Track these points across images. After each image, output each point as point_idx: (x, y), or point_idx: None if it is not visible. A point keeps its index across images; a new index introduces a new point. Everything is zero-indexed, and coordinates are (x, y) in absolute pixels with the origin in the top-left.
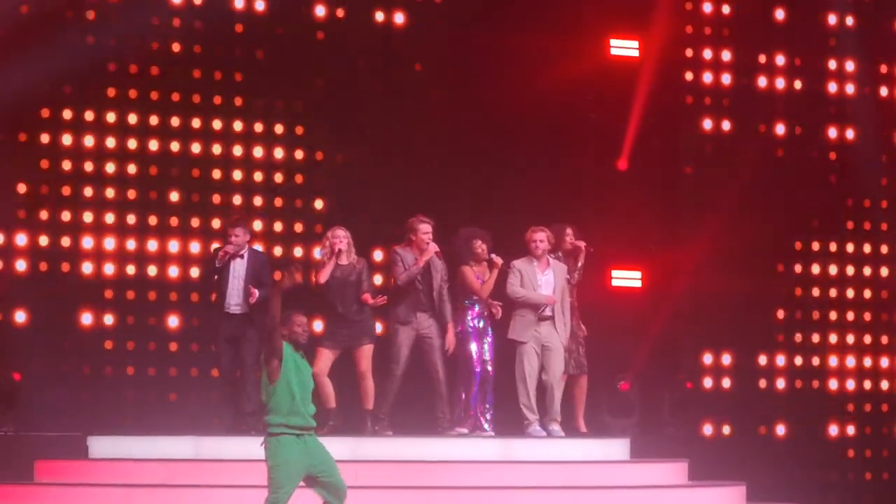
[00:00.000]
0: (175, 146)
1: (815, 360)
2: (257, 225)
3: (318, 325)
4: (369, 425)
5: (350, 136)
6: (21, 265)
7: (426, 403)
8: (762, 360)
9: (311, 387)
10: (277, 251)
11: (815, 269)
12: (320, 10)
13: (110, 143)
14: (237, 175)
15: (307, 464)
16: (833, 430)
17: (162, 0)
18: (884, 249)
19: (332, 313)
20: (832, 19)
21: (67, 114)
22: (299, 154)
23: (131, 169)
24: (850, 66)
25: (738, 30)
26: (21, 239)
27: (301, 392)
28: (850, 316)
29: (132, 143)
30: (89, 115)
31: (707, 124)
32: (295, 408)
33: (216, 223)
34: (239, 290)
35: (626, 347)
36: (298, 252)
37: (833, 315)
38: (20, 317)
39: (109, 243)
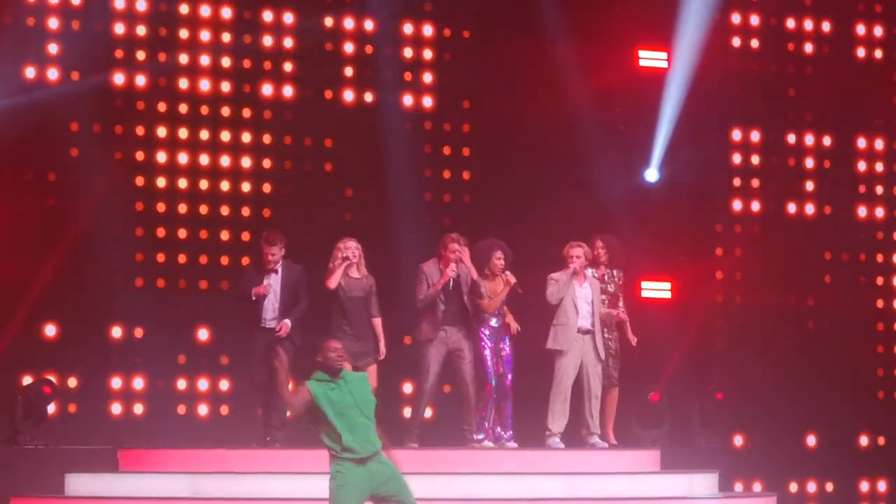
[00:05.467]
0: (205, 159)
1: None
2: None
3: None
4: None
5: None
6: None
7: (451, 415)
8: (791, 369)
9: (367, 409)
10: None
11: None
12: (349, 23)
13: (139, 156)
14: (266, 188)
15: (371, 485)
16: (864, 440)
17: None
18: None
19: (338, 330)
20: (861, 29)
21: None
22: (328, 167)
23: (161, 182)
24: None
25: (766, 41)
26: None
27: (347, 428)
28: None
29: (161, 157)
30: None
31: (736, 135)
32: (346, 445)
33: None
34: (274, 306)
35: (656, 358)
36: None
37: None
38: (50, 330)
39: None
